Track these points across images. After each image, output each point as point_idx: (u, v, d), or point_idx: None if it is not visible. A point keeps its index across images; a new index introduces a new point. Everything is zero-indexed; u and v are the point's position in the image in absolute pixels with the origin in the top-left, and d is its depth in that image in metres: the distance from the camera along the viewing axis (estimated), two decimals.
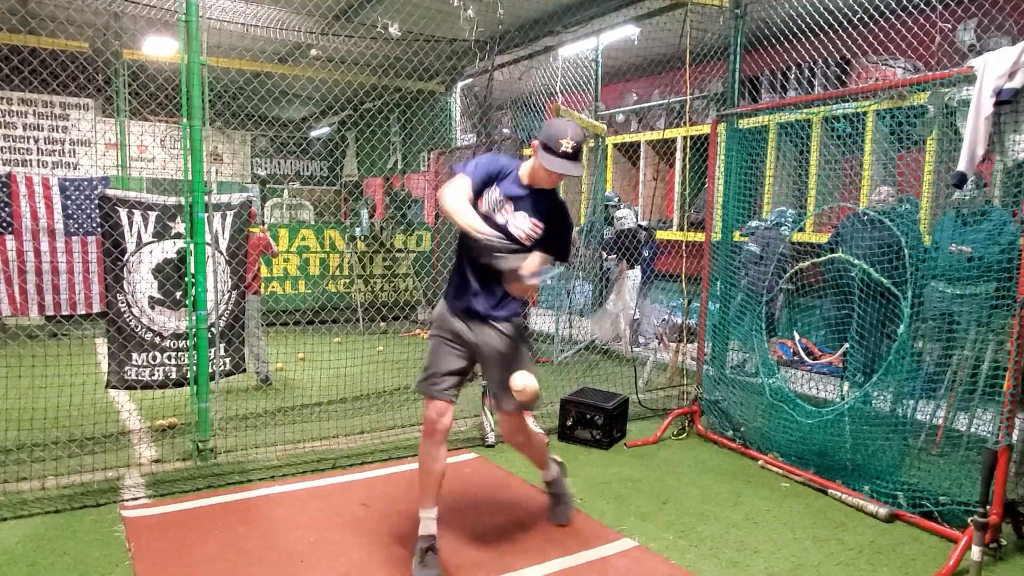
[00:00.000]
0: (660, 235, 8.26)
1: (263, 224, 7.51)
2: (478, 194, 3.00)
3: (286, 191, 13.48)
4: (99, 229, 4.66)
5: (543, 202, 3.05)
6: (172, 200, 4.51)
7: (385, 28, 6.33)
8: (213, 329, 4.36)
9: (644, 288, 7.81)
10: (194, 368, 4.16)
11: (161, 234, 4.49)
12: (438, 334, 3.12)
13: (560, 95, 8.19)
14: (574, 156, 2.90)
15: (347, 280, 9.69)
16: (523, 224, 2.99)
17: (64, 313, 7.17)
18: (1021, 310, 3.18)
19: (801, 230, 6.05)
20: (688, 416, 5.07)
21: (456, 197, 2.88)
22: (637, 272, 7.77)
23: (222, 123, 12.80)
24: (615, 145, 9.04)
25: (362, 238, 9.64)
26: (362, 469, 4.22)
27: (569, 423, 4.82)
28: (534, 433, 3.46)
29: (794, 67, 7.21)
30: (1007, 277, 3.62)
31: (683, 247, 5.54)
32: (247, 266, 4.92)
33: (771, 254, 5.10)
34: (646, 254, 7.86)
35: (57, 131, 10.18)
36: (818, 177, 6.54)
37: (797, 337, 6.47)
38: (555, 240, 3.07)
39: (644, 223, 8.00)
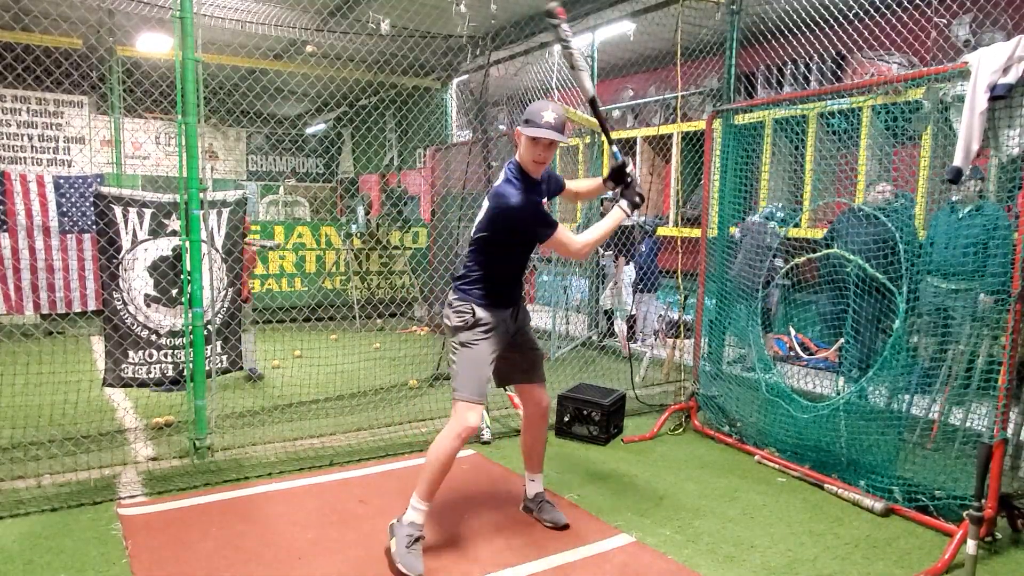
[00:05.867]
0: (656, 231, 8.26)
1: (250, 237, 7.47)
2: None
3: (282, 188, 13.45)
4: (94, 227, 4.65)
5: (543, 183, 3.19)
6: (167, 197, 4.50)
7: (377, 25, 6.32)
8: (209, 326, 4.35)
9: (642, 284, 7.81)
10: (190, 366, 4.15)
11: (156, 232, 4.47)
12: (485, 338, 3.08)
13: (556, 91, 8.18)
14: (559, 128, 2.97)
15: (343, 277, 9.68)
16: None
17: (60, 311, 7.16)
18: (1015, 304, 3.19)
19: (796, 225, 6.05)
20: (685, 412, 5.08)
21: (581, 237, 3.14)
22: (632, 268, 7.78)
23: (217, 120, 12.77)
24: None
25: (358, 235, 9.63)
26: (359, 466, 4.22)
27: (566, 419, 4.82)
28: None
29: (790, 63, 7.21)
30: (1002, 272, 3.63)
31: (678, 243, 5.55)
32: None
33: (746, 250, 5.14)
34: (643, 249, 7.86)
35: (51, 128, 10.13)
36: (814, 173, 6.55)
37: (793, 332, 6.48)
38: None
39: (641, 220, 8.00)
